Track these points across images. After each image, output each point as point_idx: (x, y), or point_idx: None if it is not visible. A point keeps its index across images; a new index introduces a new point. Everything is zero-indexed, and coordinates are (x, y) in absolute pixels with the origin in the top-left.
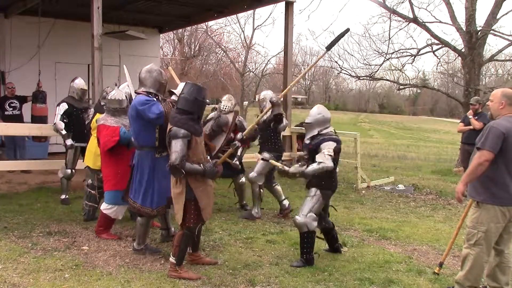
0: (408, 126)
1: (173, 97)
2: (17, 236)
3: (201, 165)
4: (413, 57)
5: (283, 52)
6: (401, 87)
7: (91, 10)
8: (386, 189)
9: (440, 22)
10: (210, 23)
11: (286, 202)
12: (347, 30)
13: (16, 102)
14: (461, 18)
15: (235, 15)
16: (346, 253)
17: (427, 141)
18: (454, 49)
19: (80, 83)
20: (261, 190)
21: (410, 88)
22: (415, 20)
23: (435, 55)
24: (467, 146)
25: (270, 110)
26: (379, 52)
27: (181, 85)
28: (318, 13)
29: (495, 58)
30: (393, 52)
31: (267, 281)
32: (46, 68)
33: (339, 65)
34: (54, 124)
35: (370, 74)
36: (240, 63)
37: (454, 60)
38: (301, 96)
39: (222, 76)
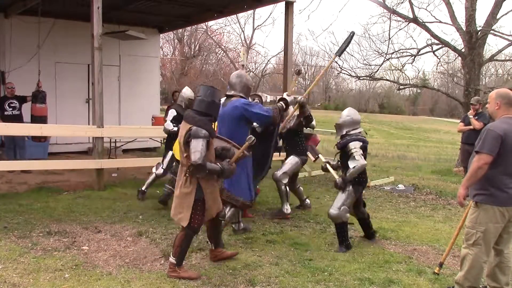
0: (408, 126)
1: (280, 103)
2: (17, 236)
3: (218, 164)
4: (413, 57)
5: (283, 52)
6: (401, 87)
7: (91, 10)
8: (386, 189)
9: (440, 22)
10: (210, 23)
11: (308, 201)
12: (353, 34)
13: (15, 102)
14: (461, 18)
15: (235, 15)
16: (346, 253)
17: (427, 141)
18: (454, 49)
19: (188, 93)
20: (287, 188)
21: (410, 88)
22: (415, 20)
23: (435, 55)
24: (467, 146)
25: (296, 113)
26: (379, 52)
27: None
28: (318, 13)
29: (495, 58)
30: (393, 52)
31: (267, 281)
32: (46, 68)
33: (339, 65)
34: (164, 126)
35: (370, 74)
36: (240, 63)
37: (454, 60)
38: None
39: (222, 76)
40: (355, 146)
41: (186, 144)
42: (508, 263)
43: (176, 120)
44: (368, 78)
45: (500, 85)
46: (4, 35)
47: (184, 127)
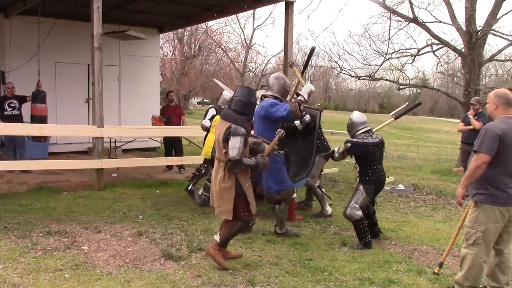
0: (408, 126)
1: (300, 98)
2: (17, 236)
3: (253, 158)
4: (413, 57)
5: (283, 52)
6: (401, 87)
7: (91, 10)
8: (386, 189)
9: (440, 22)
10: (210, 23)
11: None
12: (313, 49)
13: (15, 102)
14: (461, 18)
15: (235, 15)
16: (346, 253)
17: (427, 141)
18: (454, 49)
19: (229, 95)
20: (322, 190)
21: (410, 88)
22: (415, 20)
23: (435, 55)
24: (467, 146)
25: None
26: (379, 52)
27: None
28: (318, 13)
29: (495, 58)
30: (393, 52)
31: (267, 281)
32: (46, 68)
33: (339, 65)
34: (202, 123)
35: (370, 74)
36: (240, 63)
37: (454, 60)
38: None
39: (222, 76)
40: (340, 146)
41: (225, 141)
42: (508, 263)
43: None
44: (368, 78)
45: (500, 85)
46: (4, 35)
47: (222, 125)
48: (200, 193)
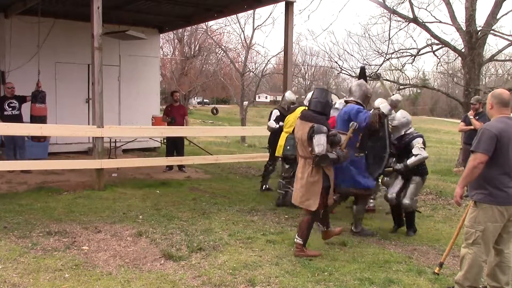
0: None
1: (382, 106)
2: (17, 236)
3: (333, 152)
4: (413, 57)
5: (283, 52)
6: (401, 87)
7: (91, 10)
8: (386, 189)
9: (440, 22)
10: (210, 23)
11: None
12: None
13: (15, 102)
14: (461, 18)
15: (235, 15)
16: (346, 253)
17: (427, 141)
18: (454, 49)
19: (290, 97)
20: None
21: (410, 88)
22: (415, 20)
23: (435, 55)
24: (468, 146)
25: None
26: (379, 52)
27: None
28: (318, 13)
29: (495, 58)
30: (393, 52)
31: (267, 281)
32: (46, 68)
33: (339, 65)
34: (268, 125)
35: (370, 74)
36: (240, 63)
37: (454, 60)
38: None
39: (222, 76)
40: (418, 142)
41: (310, 139)
42: (508, 262)
43: (279, 120)
44: (368, 78)
45: (500, 85)
46: (4, 35)
47: (304, 125)
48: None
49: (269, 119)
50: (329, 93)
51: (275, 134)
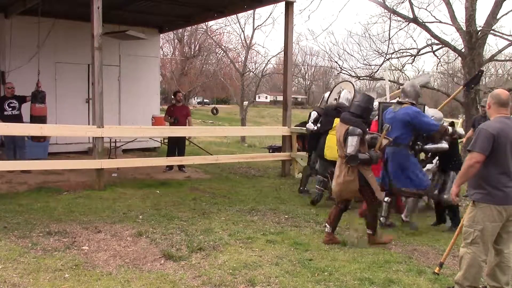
0: None
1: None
2: (17, 236)
3: (367, 153)
4: (413, 57)
5: (283, 52)
6: (401, 87)
7: (91, 10)
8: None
9: (440, 22)
10: (210, 23)
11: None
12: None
13: (15, 102)
14: (461, 18)
15: (235, 15)
16: (346, 253)
17: None
18: (454, 49)
19: (326, 96)
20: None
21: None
22: (415, 20)
23: (435, 55)
24: None
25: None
26: (379, 52)
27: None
28: (318, 13)
29: (495, 58)
30: (393, 52)
31: (267, 281)
32: (46, 68)
33: (339, 65)
34: (306, 126)
35: (370, 74)
36: (240, 63)
37: (454, 60)
38: (301, 96)
39: (222, 76)
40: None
41: (344, 140)
42: (508, 262)
43: (316, 121)
44: (368, 78)
45: (500, 85)
46: (4, 35)
47: (342, 127)
48: (305, 188)
49: (308, 121)
50: (372, 100)
51: (314, 136)
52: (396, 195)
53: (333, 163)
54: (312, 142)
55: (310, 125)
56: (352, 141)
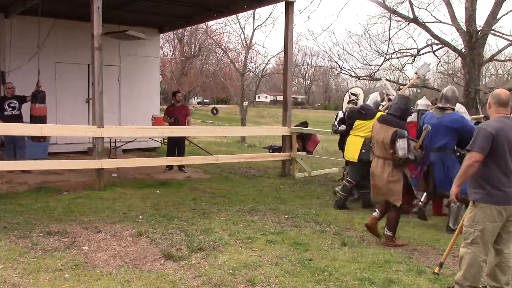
0: None
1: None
2: (17, 236)
3: (410, 153)
4: (413, 57)
5: (283, 52)
6: (401, 87)
7: (91, 10)
8: None
9: (440, 22)
10: (210, 23)
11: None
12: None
13: (15, 102)
14: (461, 18)
15: (235, 15)
16: (346, 253)
17: None
18: (454, 49)
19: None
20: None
21: (410, 88)
22: (415, 20)
23: (435, 55)
24: None
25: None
26: (379, 52)
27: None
28: (318, 13)
29: (495, 58)
30: (393, 52)
31: (267, 281)
32: (46, 68)
33: (339, 65)
34: (332, 127)
35: (370, 74)
36: (240, 63)
37: (454, 60)
38: (301, 96)
39: (222, 76)
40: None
41: (393, 142)
42: (508, 263)
43: (342, 122)
44: (368, 78)
45: (500, 85)
46: (4, 35)
47: (386, 128)
48: (337, 191)
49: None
50: (410, 101)
51: (343, 136)
52: (438, 199)
53: (354, 164)
54: (340, 142)
55: (335, 125)
56: (403, 144)
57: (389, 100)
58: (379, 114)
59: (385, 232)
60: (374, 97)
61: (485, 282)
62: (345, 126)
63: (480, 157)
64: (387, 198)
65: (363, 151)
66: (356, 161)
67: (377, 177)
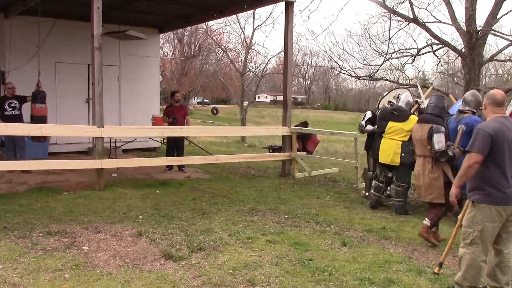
0: None
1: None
2: (17, 236)
3: (450, 150)
4: (413, 57)
5: (283, 52)
6: (401, 87)
7: (91, 10)
8: None
9: (440, 22)
10: (210, 23)
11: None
12: None
13: (15, 102)
14: (461, 18)
15: (235, 15)
16: (346, 253)
17: None
18: (454, 49)
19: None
20: None
21: (410, 88)
22: (415, 20)
23: (435, 55)
24: None
25: None
26: (379, 52)
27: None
28: (318, 13)
29: (495, 58)
30: (393, 52)
31: (267, 281)
32: (46, 68)
33: (339, 65)
34: (359, 125)
35: (370, 74)
36: (240, 63)
37: (454, 60)
38: (301, 96)
39: (222, 76)
40: None
41: (429, 138)
42: (508, 263)
43: (370, 121)
44: (368, 78)
45: (500, 85)
46: (4, 35)
47: (424, 126)
48: (370, 193)
49: (362, 120)
50: (445, 99)
51: (369, 137)
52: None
53: (387, 167)
54: (367, 142)
55: (362, 125)
56: (440, 138)
57: (416, 103)
58: (412, 117)
59: (424, 221)
60: (405, 97)
61: (485, 282)
62: (372, 127)
63: (480, 158)
64: (430, 196)
65: (403, 154)
66: (398, 165)
67: (420, 175)
